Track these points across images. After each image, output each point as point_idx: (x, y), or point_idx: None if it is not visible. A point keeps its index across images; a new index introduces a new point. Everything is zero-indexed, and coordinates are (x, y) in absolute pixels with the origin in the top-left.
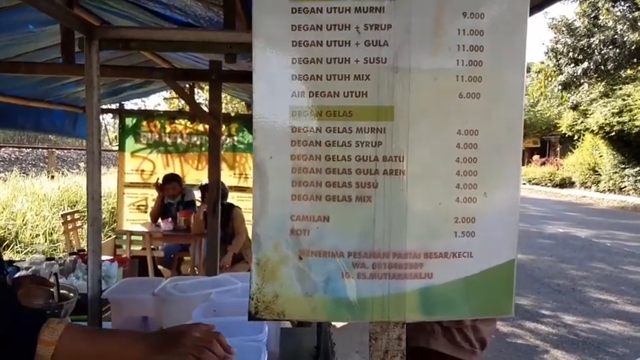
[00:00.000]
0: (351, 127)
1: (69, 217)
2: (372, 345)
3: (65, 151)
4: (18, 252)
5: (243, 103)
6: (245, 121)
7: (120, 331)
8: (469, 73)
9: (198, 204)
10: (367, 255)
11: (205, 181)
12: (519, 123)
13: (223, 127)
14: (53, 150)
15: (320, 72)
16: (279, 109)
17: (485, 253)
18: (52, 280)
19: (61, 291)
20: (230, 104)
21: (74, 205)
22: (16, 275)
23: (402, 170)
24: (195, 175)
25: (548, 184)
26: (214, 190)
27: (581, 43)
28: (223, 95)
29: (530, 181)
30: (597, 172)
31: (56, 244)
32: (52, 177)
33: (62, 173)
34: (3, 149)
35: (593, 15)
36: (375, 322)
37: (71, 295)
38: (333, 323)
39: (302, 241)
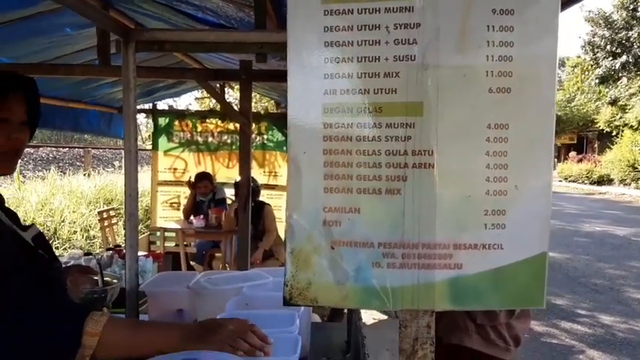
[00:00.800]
0: (380, 122)
1: (105, 215)
2: (402, 332)
3: (100, 151)
4: (57, 247)
5: (273, 101)
6: (274, 120)
7: (158, 322)
8: (499, 68)
9: (230, 201)
10: (397, 245)
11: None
12: (551, 116)
13: (253, 125)
14: (89, 149)
15: (351, 70)
16: (312, 107)
17: (516, 245)
18: (95, 269)
19: (105, 278)
20: (259, 103)
21: (110, 203)
22: (64, 265)
23: (431, 164)
24: (226, 173)
25: (586, 182)
26: (245, 187)
27: (619, 36)
28: (253, 94)
29: (566, 178)
30: (637, 168)
31: (93, 240)
32: (89, 175)
33: (98, 172)
34: (41, 149)
35: (631, 7)
36: (404, 310)
37: (115, 281)
38: (363, 320)
39: (334, 232)
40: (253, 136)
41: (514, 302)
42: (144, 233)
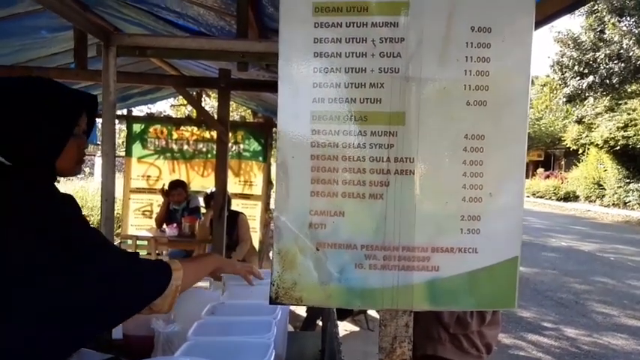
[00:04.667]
0: (365, 130)
1: None
2: (382, 331)
3: None
4: None
5: (249, 111)
6: (251, 129)
7: (202, 256)
8: (476, 82)
9: (202, 211)
10: (378, 248)
11: (210, 189)
12: (524, 129)
13: (230, 134)
14: None
15: (339, 80)
16: (301, 114)
17: (490, 249)
18: None
19: None
20: (235, 112)
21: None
22: None
23: (412, 170)
24: (201, 181)
25: (553, 198)
26: (220, 196)
27: (586, 57)
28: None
29: (534, 194)
30: (602, 186)
31: None
32: (58, 181)
33: (67, 178)
34: None
35: (599, 29)
36: (384, 310)
37: None
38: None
39: (319, 234)
40: (229, 144)
41: (488, 303)
42: (114, 241)
